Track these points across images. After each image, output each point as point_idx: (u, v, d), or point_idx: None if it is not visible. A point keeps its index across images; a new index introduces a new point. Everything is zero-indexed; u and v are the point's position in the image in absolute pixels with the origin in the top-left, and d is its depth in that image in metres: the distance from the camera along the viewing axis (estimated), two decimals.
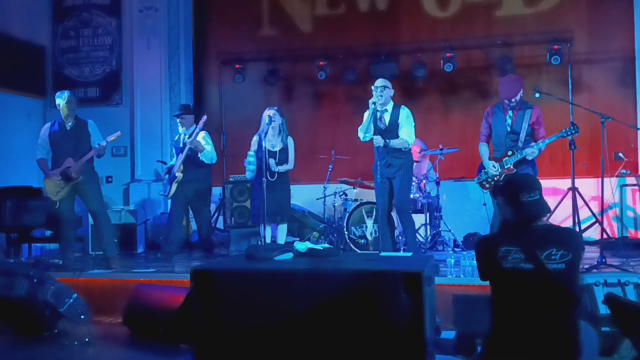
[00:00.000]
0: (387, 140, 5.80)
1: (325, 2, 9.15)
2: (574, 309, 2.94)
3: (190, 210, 7.23)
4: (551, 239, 2.94)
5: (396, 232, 6.42)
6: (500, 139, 5.87)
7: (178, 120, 6.94)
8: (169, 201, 7.10)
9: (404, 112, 5.97)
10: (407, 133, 5.91)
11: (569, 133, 5.69)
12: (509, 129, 5.81)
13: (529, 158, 5.71)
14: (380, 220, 5.99)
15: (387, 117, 5.95)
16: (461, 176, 8.39)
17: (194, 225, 8.12)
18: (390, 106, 5.99)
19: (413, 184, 7.15)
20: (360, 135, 5.99)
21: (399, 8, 8.92)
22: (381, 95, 5.86)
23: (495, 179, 5.82)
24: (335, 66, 8.62)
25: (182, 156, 6.67)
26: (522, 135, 5.76)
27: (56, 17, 9.58)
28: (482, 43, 8.41)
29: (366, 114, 6.00)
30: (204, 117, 6.59)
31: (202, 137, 6.73)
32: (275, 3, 9.29)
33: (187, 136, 6.73)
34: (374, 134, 5.88)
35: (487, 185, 5.94)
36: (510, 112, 5.83)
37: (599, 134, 5.60)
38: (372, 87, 5.95)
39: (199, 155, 6.65)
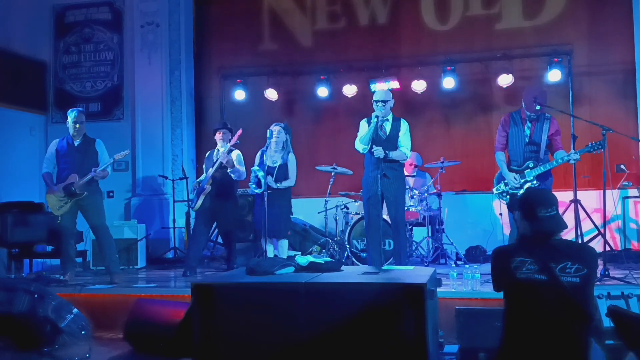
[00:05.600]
0: (387, 152, 5.80)
1: (326, 16, 9.20)
2: (586, 325, 2.92)
3: (216, 225, 7.18)
4: (567, 253, 2.95)
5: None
6: (518, 149, 5.86)
7: (218, 135, 6.89)
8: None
9: (405, 126, 6.01)
10: (406, 146, 5.95)
11: (596, 148, 5.62)
12: (527, 140, 5.81)
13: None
14: (373, 232, 5.92)
15: (387, 127, 5.97)
16: (462, 189, 8.39)
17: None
18: (390, 117, 6.02)
19: (415, 197, 7.16)
20: (360, 147, 5.98)
21: (399, 22, 8.97)
22: (383, 109, 5.88)
23: (515, 191, 5.79)
24: (335, 80, 8.64)
25: (212, 170, 6.68)
26: (543, 147, 5.76)
27: (58, 33, 9.64)
28: (483, 56, 8.42)
29: (363, 124, 6.03)
30: (239, 131, 6.60)
31: (236, 156, 6.80)
32: (275, 17, 9.33)
33: (224, 150, 6.74)
34: (374, 144, 5.89)
35: (507, 197, 5.90)
36: (528, 123, 5.83)
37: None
38: (373, 101, 5.96)
39: (229, 171, 6.65)
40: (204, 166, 7.05)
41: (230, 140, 6.78)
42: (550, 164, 5.75)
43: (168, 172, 8.95)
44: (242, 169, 6.79)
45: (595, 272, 3.01)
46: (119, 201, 9.22)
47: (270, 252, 6.50)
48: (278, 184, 6.42)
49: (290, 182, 6.54)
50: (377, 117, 5.83)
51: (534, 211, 3.02)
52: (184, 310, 4.57)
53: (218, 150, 6.90)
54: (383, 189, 5.80)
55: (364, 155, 6.04)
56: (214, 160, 6.80)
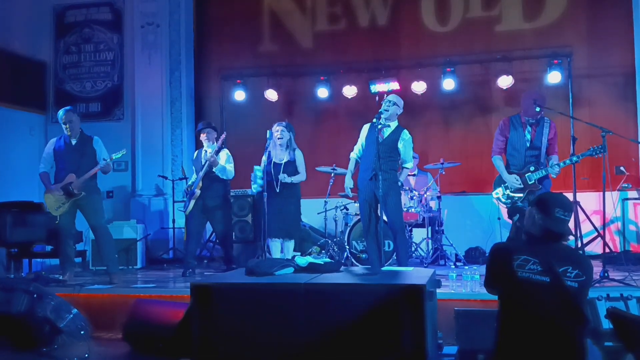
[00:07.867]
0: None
1: (326, 17, 9.20)
2: (583, 327, 2.95)
3: (210, 224, 7.18)
4: (569, 258, 2.99)
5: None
6: (519, 153, 5.80)
7: (203, 135, 6.93)
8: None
9: (406, 136, 5.97)
10: (406, 159, 5.98)
11: (597, 152, 5.58)
12: (528, 145, 5.77)
13: (554, 177, 5.71)
14: (369, 234, 5.92)
15: (386, 132, 5.95)
16: (462, 190, 8.39)
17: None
18: (393, 124, 5.99)
19: (414, 197, 7.16)
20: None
21: (399, 23, 8.97)
22: (387, 110, 5.86)
23: (516, 194, 5.75)
24: (335, 81, 8.64)
25: (201, 173, 6.72)
26: (543, 151, 5.74)
27: (58, 33, 9.64)
28: (482, 58, 8.43)
29: (364, 129, 6.06)
30: (223, 135, 6.73)
31: (224, 155, 6.85)
32: (275, 19, 9.34)
33: (212, 151, 6.75)
34: (371, 145, 5.88)
35: (508, 201, 5.84)
36: (529, 127, 5.79)
37: None
38: (384, 100, 5.98)
39: (214, 169, 6.69)
40: (193, 167, 7.06)
41: (215, 140, 6.80)
42: (552, 169, 5.70)
43: (168, 173, 8.96)
44: (230, 167, 6.83)
45: (591, 282, 3.08)
46: (118, 201, 9.22)
47: (276, 252, 6.50)
48: (291, 178, 6.41)
49: (301, 177, 6.55)
50: (378, 117, 5.85)
51: (551, 209, 3.03)
52: (183, 311, 4.56)
53: (205, 151, 6.90)
54: (375, 191, 5.74)
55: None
56: (202, 162, 6.81)
